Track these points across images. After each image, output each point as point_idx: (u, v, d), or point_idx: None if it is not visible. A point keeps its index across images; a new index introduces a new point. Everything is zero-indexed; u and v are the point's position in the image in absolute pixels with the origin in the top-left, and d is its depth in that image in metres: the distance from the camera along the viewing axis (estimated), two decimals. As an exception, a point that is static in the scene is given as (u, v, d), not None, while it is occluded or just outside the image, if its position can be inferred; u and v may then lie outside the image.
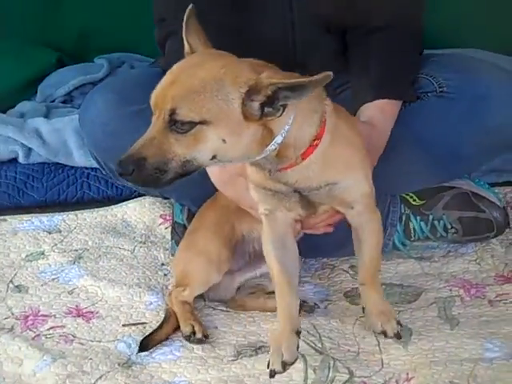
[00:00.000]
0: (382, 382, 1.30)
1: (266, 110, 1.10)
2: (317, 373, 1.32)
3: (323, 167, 1.21)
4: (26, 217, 1.91)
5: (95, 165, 1.81)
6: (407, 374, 1.31)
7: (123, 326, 1.49)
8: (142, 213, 1.90)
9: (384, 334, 1.38)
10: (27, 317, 1.52)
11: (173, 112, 1.08)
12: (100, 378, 1.33)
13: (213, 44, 1.25)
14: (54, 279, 1.65)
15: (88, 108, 1.58)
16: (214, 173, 1.43)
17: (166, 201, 1.89)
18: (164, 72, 1.57)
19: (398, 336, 1.37)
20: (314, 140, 1.18)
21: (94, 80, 2.39)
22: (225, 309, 1.54)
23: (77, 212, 1.92)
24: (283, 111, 1.11)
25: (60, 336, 1.45)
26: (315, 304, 1.52)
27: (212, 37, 1.55)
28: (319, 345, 1.40)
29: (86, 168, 2.03)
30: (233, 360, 1.37)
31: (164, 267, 1.70)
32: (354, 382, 1.30)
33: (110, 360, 1.38)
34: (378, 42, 1.57)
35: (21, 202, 1.98)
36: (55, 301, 1.57)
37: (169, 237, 1.77)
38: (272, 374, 1.24)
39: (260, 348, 1.40)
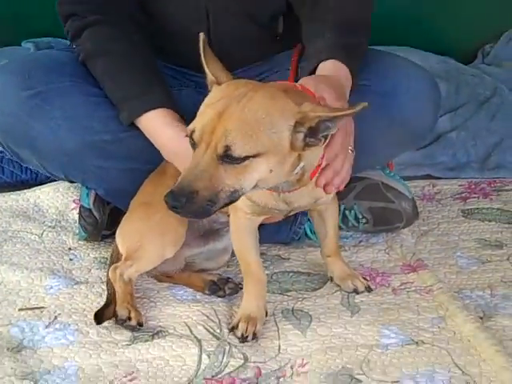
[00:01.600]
0: (277, 368, 1.29)
1: (309, 140, 1.15)
2: (211, 358, 1.30)
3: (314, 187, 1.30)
4: None
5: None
6: (302, 359, 1.30)
7: (19, 310, 1.44)
8: (55, 197, 1.87)
9: (356, 291, 1.50)
10: None
11: (228, 148, 1.09)
12: (-15, 362, 1.28)
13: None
14: (-48, 262, 1.59)
15: None
16: (167, 145, 1.44)
17: (79, 185, 1.84)
18: (83, 62, 1.53)
19: (368, 289, 1.50)
20: (319, 165, 1.25)
21: (19, 64, 2.34)
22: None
23: (-13, 196, 1.87)
24: (325, 141, 1.17)
25: (-48, 320, 1.40)
26: (240, 283, 1.51)
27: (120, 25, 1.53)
28: (218, 330, 1.38)
29: (1, 152, 1.96)
30: (127, 345, 1.34)
31: (71, 252, 1.67)
32: (248, 367, 1.29)
33: (-1, 344, 1.33)
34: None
35: None
36: (-50, 283, 1.52)
37: (80, 222, 1.73)
38: (243, 340, 1.35)
39: (157, 333, 1.37)
